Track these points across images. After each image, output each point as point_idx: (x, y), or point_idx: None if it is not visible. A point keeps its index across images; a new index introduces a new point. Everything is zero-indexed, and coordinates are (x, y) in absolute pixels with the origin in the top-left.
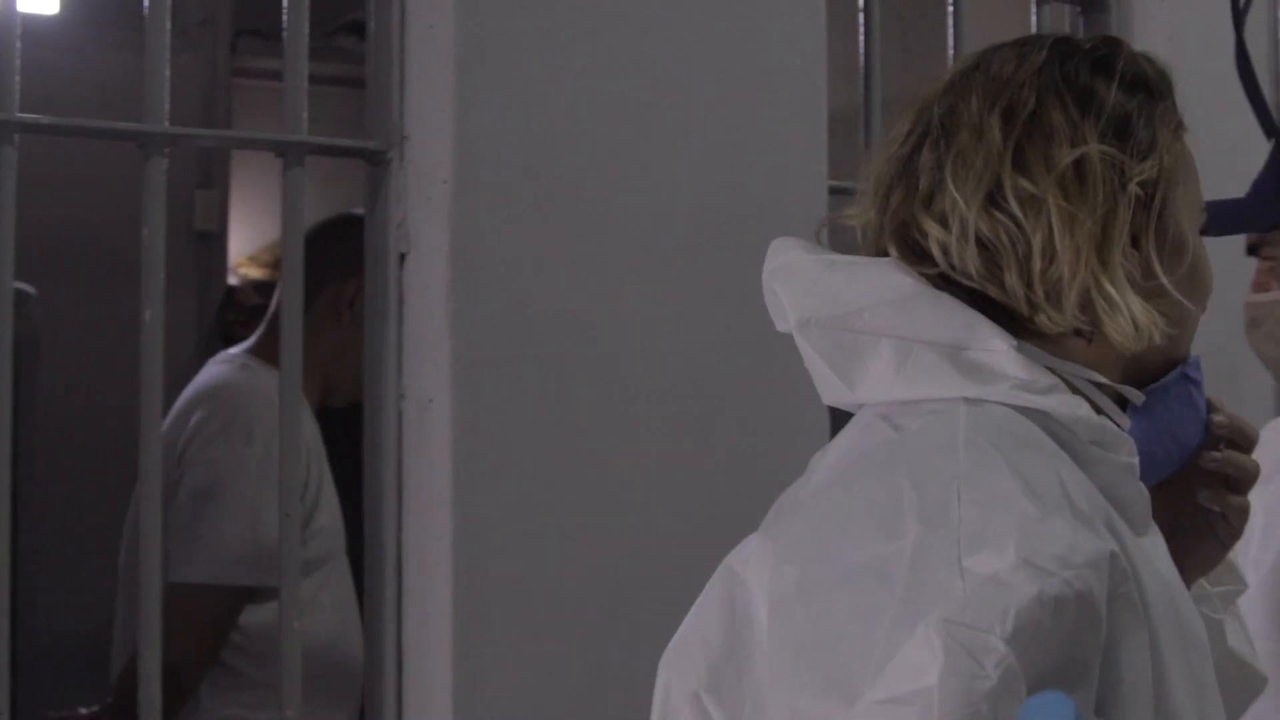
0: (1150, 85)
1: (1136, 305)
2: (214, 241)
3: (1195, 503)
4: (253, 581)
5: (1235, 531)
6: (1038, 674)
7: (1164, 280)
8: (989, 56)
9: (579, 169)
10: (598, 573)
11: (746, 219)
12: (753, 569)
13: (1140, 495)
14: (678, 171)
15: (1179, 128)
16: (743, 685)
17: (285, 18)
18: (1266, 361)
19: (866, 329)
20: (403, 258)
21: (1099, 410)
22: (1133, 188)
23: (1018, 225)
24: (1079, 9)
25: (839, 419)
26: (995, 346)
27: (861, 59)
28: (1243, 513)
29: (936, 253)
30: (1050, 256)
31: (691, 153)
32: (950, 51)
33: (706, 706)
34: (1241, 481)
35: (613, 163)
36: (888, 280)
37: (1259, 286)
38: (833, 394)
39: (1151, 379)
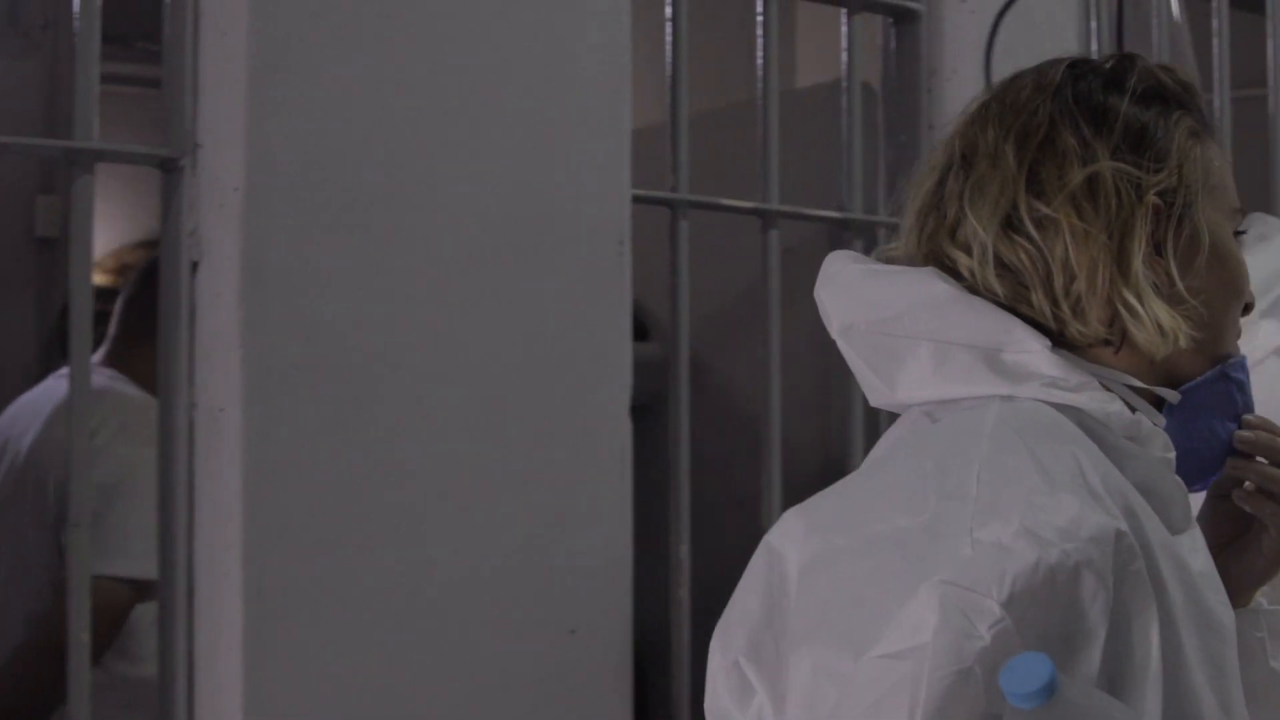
0: (1167, 95)
1: (1161, 311)
2: (56, 248)
3: (1237, 513)
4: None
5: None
6: (1037, 640)
7: (1180, 286)
8: (1008, 85)
9: (375, 178)
10: (392, 583)
11: (547, 228)
12: (788, 542)
13: (1179, 490)
14: (476, 180)
15: (1199, 134)
16: (779, 650)
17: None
18: None
19: (905, 333)
20: (195, 266)
21: (1133, 409)
22: (1150, 198)
23: (1036, 246)
24: (891, 20)
25: (643, 425)
26: (1030, 347)
27: (668, 70)
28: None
29: (966, 276)
30: (1070, 273)
31: (491, 162)
32: (760, 64)
33: (745, 673)
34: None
35: (410, 171)
36: (926, 286)
37: None
38: (876, 395)
39: (1190, 379)
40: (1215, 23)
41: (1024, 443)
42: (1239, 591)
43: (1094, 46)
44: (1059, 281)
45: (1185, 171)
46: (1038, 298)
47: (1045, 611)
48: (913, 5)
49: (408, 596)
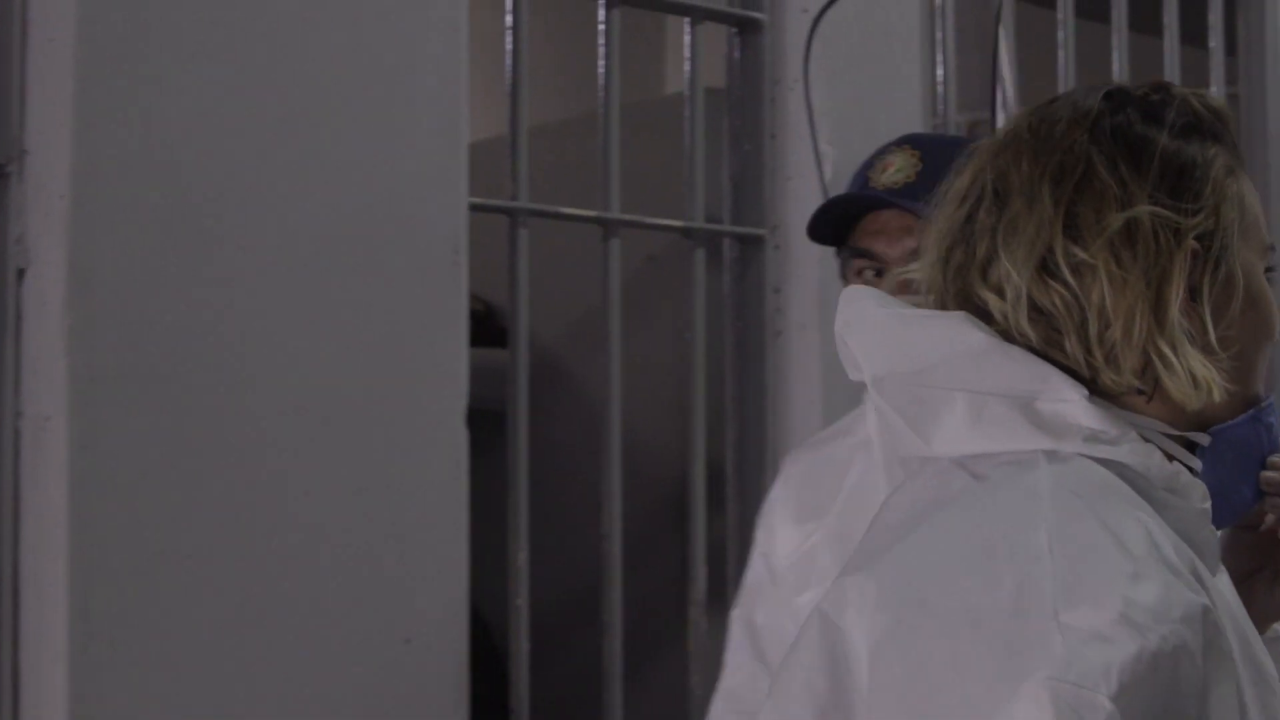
0: (1203, 128)
1: (1195, 362)
2: None
3: (1258, 546)
4: None
5: None
6: None
7: (1212, 337)
8: (1042, 114)
9: (205, 185)
10: (224, 592)
11: (382, 236)
12: (850, 614)
13: (1213, 537)
14: (309, 188)
15: (1234, 170)
16: None
17: None
18: None
19: (940, 384)
20: (21, 273)
21: (1169, 457)
22: (1188, 243)
23: (1071, 292)
24: (735, 30)
25: (480, 437)
26: (1068, 396)
27: (509, 79)
28: None
29: (998, 318)
30: (1105, 320)
31: (325, 170)
32: (601, 73)
33: None
34: None
35: (242, 179)
36: (960, 335)
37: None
38: (907, 447)
39: (1220, 421)
40: (1060, 34)
41: (1089, 509)
42: (1261, 623)
43: (939, 57)
44: (1094, 328)
45: (1223, 212)
46: (1071, 344)
47: (1149, 700)
48: (756, 15)
49: (239, 605)
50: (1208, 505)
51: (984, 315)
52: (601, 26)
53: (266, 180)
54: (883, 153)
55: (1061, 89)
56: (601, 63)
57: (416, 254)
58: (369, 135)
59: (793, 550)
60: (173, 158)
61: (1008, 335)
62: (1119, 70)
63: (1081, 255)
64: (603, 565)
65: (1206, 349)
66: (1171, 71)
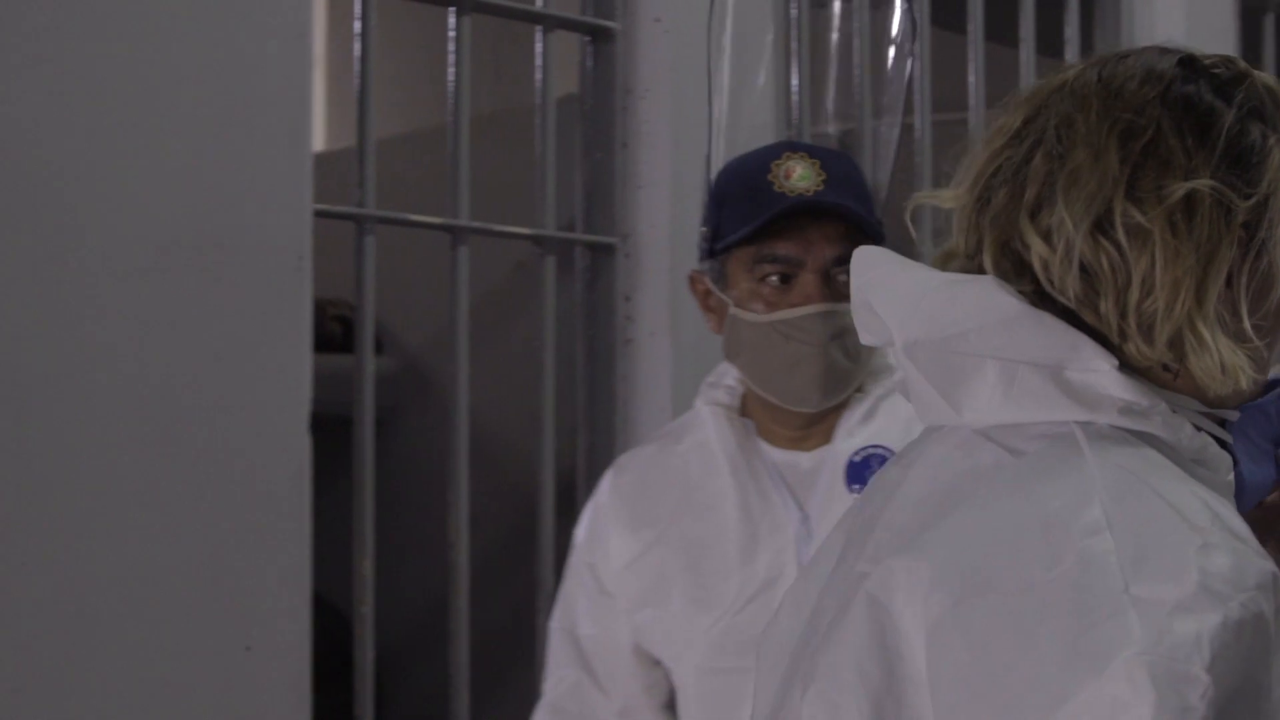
0: (1265, 115)
1: (1225, 348)
2: None
3: (1265, 522)
4: None
5: None
6: (1227, 698)
7: (1246, 324)
8: (1114, 68)
9: (46, 188)
10: (61, 599)
11: (225, 241)
12: (900, 598)
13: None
14: (151, 193)
15: None
16: (900, 715)
17: None
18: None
19: (972, 351)
20: None
21: (1196, 428)
22: (1237, 226)
23: (1121, 254)
24: (588, 38)
25: (324, 439)
26: (1098, 366)
27: (356, 85)
28: None
29: (1037, 267)
30: (1149, 289)
31: (167, 175)
32: (451, 80)
33: None
34: None
35: (82, 183)
36: (991, 301)
37: None
38: (936, 415)
39: (1232, 405)
40: (916, 44)
41: (1141, 481)
42: None
43: (794, 67)
44: (1134, 295)
45: (1272, 202)
46: (1107, 306)
47: (1235, 669)
48: (608, 24)
49: (78, 611)
50: (1232, 479)
51: (1017, 261)
52: (451, 34)
53: (107, 184)
54: (772, 158)
55: (918, 98)
56: (451, 70)
57: (260, 259)
58: (212, 140)
59: (629, 559)
60: (14, 160)
61: (1039, 287)
62: (974, 79)
63: (1139, 219)
64: (450, 574)
65: (1238, 336)
66: (1027, 82)
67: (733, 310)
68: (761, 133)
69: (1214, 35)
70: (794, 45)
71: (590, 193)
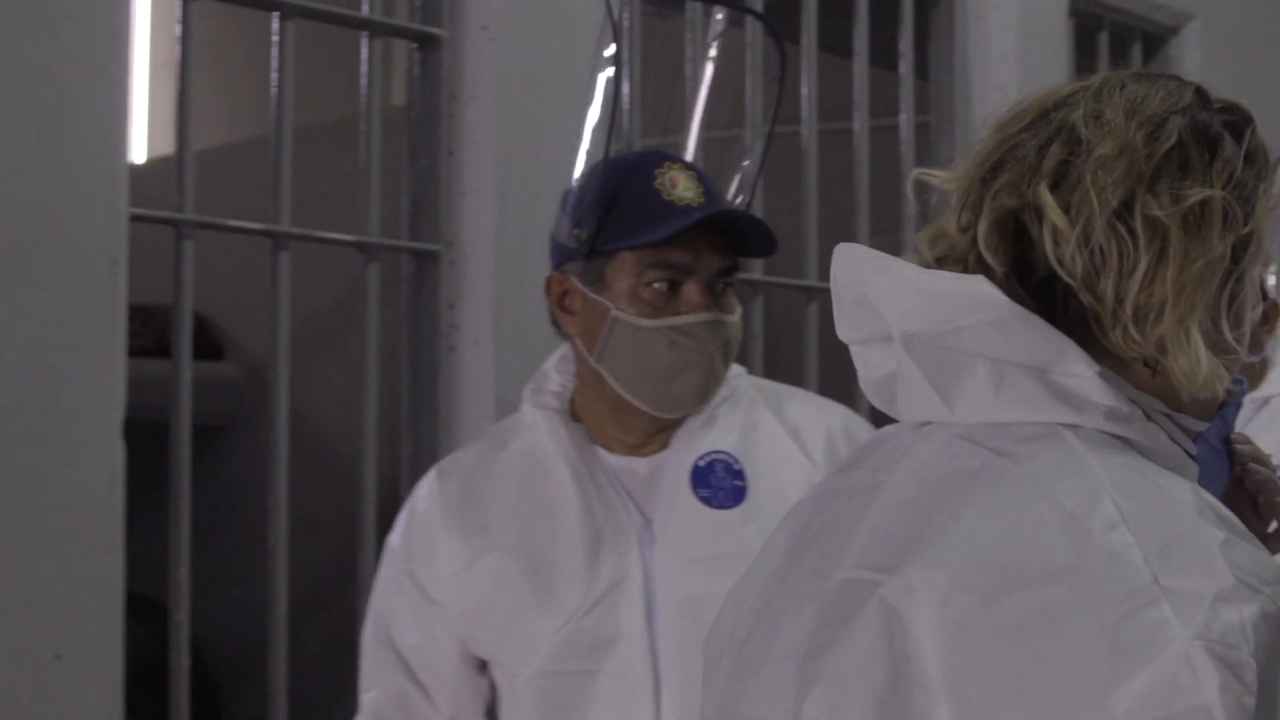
0: (1257, 162)
1: (1205, 354)
2: None
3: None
4: None
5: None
6: (1262, 685)
7: (1228, 336)
8: (1134, 85)
9: None
10: None
11: (37, 244)
12: (914, 603)
13: None
14: None
15: (1274, 207)
16: (905, 718)
17: None
18: None
19: (964, 348)
20: None
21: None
22: (1229, 245)
23: (1134, 243)
24: (415, 45)
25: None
26: (1080, 371)
27: (175, 90)
28: None
29: (1048, 239)
30: (1150, 281)
31: None
32: (274, 85)
33: None
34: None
35: None
36: (984, 299)
37: None
38: (924, 409)
39: (1196, 409)
40: (749, 56)
41: (1145, 478)
42: None
43: (624, 78)
44: (1136, 284)
45: (1256, 239)
46: (1106, 288)
47: (1268, 657)
48: (435, 31)
49: None
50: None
51: (1013, 234)
52: (275, 39)
53: None
54: (653, 166)
55: (749, 108)
56: (274, 75)
57: (72, 263)
58: (24, 142)
59: (460, 566)
60: None
61: (1019, 264)
62: (808, 91)
63: (1158, 213)
64: (268, 581)
65: (1217, 346)
66: (861, 94)
67: (615, 313)
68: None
69: (1046, 50)
70: (625, 57)
71: (416, 200)
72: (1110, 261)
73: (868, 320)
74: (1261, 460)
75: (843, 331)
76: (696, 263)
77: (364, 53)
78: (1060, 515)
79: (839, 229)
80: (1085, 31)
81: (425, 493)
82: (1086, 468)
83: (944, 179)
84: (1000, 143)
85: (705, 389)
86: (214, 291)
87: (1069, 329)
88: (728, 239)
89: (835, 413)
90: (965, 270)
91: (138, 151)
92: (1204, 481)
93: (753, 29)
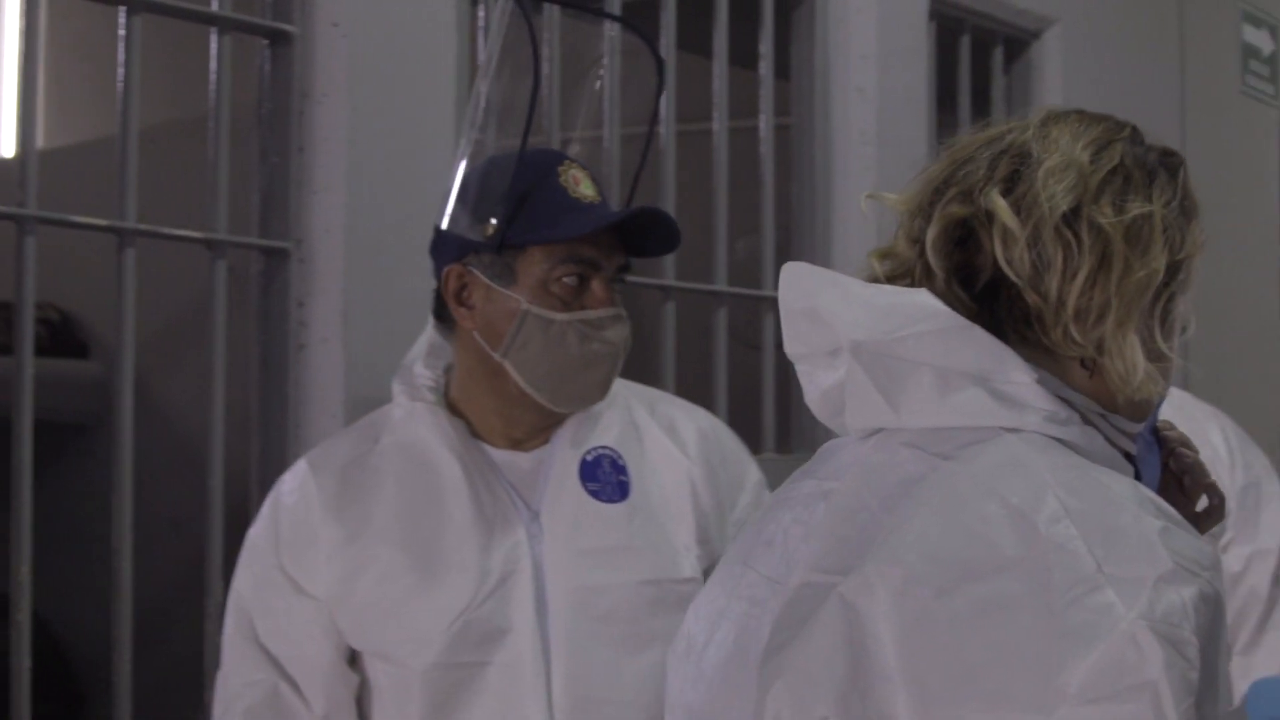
0: (1186, 202)
1: (1140, 358)
2: None
3: None
4: None
5: (1218, 517)
6: (1203, 660)
7: (1162, 346)
8: (1074, 118)
9: None
10: None
11: None
12: (871, 599)
13: None
14: None
15: (1202, 246)
16: (866, 710)
17: None
18: None
19: (909, 356)
20: None
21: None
22: (1167, 262)
23: (1080, 247)
24: (267, 41)
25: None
26: (1019, 379)
27: (120, 82)
28: (1219, 503)
29: (997, 240)
30: (1092, 285)
31: None
32: (120, 80)
33: None
34: (1208, 474)
35: None
36: (927, 309)
37: None
38: (872, 416)
39: (1128, 411)
40: (607, 57)
41: (1085, 473)
42: None
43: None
44: (1077, 286)
45: (1187, 265)
46: (1051, 287)
47: (1206, 636)
48: (286, 27)
49: None
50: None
51: (960, 239)
52: (122, 33)
53: None
54: (554, 163)
55: (607, 104)
56: (121, 69)
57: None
58: None
59: (341, 560)
60: None
61: (961, 266)
62: (666, 92)
63: (1104, 222)
64: (113, 579)
65: (1151, 354)
66: (720, 96)
67: (526, 306)
68: (439, 142)
69: (907, 53)
70: (481, 55)
71: (266, 197)
72: (1055, 264)
73: (815, 334)
74: (1187, 444)
75: (790, 347)
76: (604, 259)
77: (214, 49)
78: (1007, 511)
79: (697, 231)
80: (947, 35)
81: (296, 484)
82: (1030, 467)
83: (893, 200)
84: (951, 162)
85: (608, 383)
86: (79, 290)
87: (1013, 329)
88: (623, 238)
89: (700, 413)
90: (913, 283)
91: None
92: (1141, 472)
93: (611, 30)
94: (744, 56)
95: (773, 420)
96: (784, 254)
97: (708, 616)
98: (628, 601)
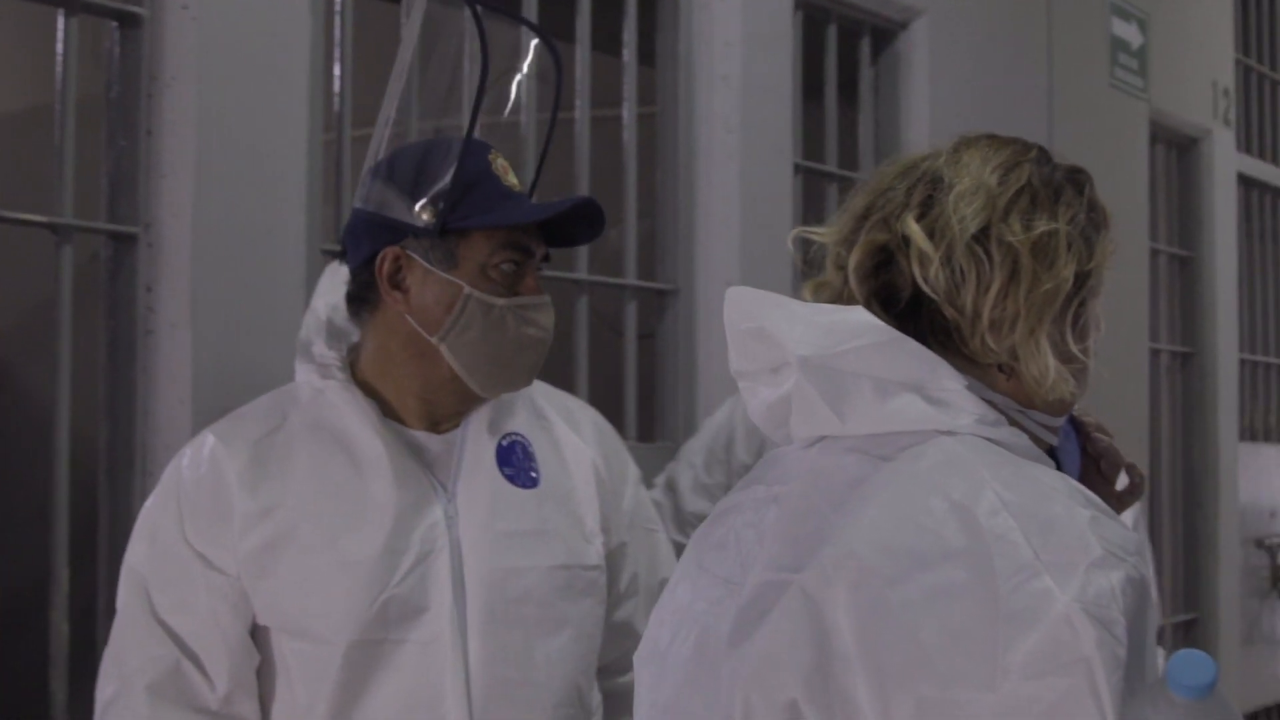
0: (1097, 212)
1: (1053, 362)
2: None
3: None
4: None
5: (1136, 494)
6: (1130, 639)
7: (1074, 349)
8: (982, 142)
9: None
10: None
11: None
12: (829, 590)
13: None
14: None
15: (1112, 253)
16: (829, 692)
17: None
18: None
19: (851, 369)
20: None
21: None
22: (1076, 271)
23: (991, 263)
24: (115, 24)
25: None
26: (951, 385)
27: None
28: (1137, 482)
29: (915, 262)
30: (1004, 297)
31: None
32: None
33: (803, 709)
34: (1122, 456)
35: None
36: (865, 326)
37: None
38: (818, 425)
39: (1045, 408)
40: (578, 53)
41: (1019, 468)
42: None
43: (336, 56)
44: (990, 299)
45: (1095, 275)
46: (967, 302)
47: (1133, 616)
48: (135, 9)
49: None
50: None
51: (882, 262)
52: None
53: None
54: (484, 152)
55: (467, 88)
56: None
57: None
58: None
59: (258, 537)
60: None
61: (887, 286)
62: (528, 79)
63: (1012, 240)
64: None
65: (1064, 356)
66: (583, 80)
67: (469, 290)
68: (292, 129)
69: (771, 43)
70: (337, 37)
71: (114, 181)
72: (969, 280)
73: (762, 352)
74: (1102, 430)
75: (736, 364)
76: (536, 248)
77: (60, 31)
78: (950, 506)
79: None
80: (813, 25)
81: (203, 456)
82: (967, 464)
83: (822, 234)
84: (871, 192)
85: (536, 369)
86: None
87: (936, 341)
88: (542, 228)
89: (587, 406)
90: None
91: None
92: (1062, 459)
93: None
94: (607, 43)
95: (635, 409)
96: (648, 243)
97: (670, 620)
98: (540, 585)
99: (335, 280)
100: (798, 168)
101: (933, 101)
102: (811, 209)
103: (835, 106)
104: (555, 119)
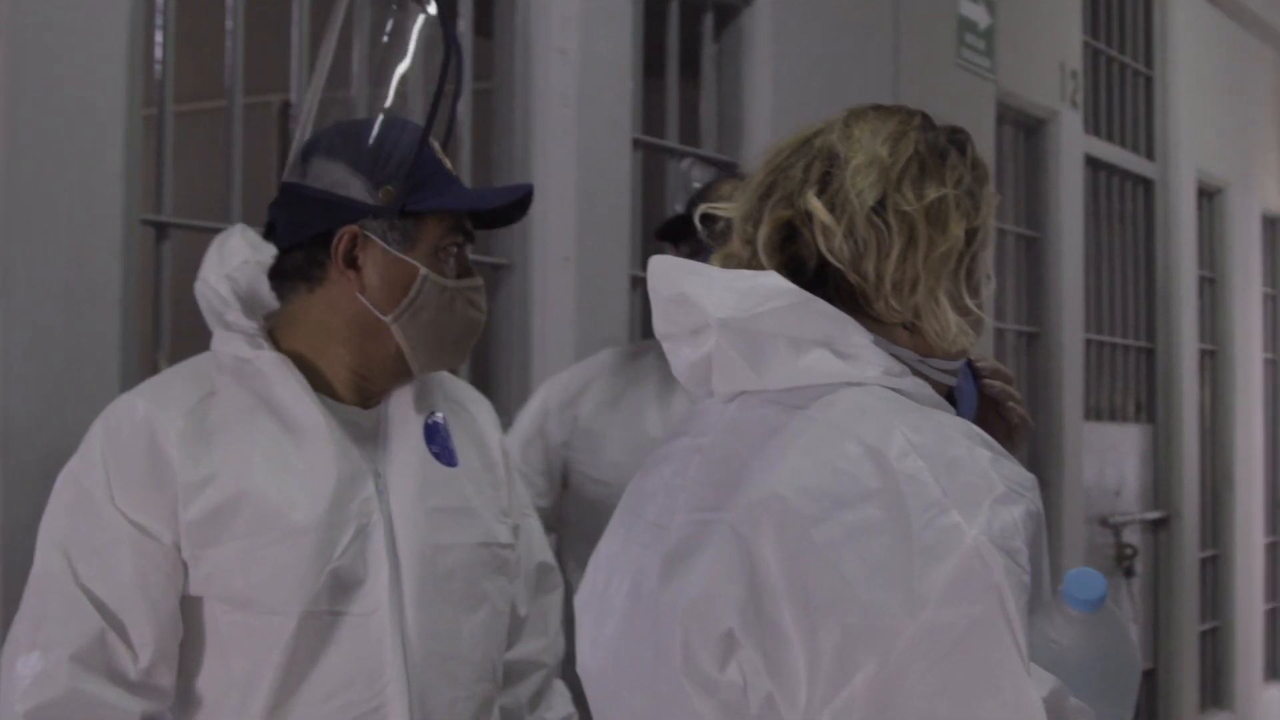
0: (979, 169)
1: (953, 317)
2: None
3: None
4: None
5: (1026, 433)
6: (1030, 566)
7: (969, 303)
8: (868, 114)
9: None
10: None
11: None
12: (757, 528)
13: None
14: None
15: (996, 206)
16: (761, 622)
17: None
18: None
19: (767, 329)
20: None
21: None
22: (967, 229)
23: (889, 231)
24: None
25: None
26: (858, 341)
27: None
28: (1026, 419)
29: (818, 234)
30: (903, 261)
31: None
32: None
33: (739, 638)
34: (1015, 397)
35: None
36: (778, 289)
37: None
38: (738, 381)
39: (943, 356)
40: (295, 12)
41: (923, 414)
42: None
43: (158, 23)
44: (891, 264)
45: (983, 231)
46: (870, 269)
47: (1031, 546)
48: None
49: None
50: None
51: (788, 236)
52: None
53: None
54: (418, 137)
55: (296, 63)
56: None
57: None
58: None
59: (200, 506)
60: None
61: (794, 258)
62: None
63: (908, 208)
64: None
65: (960, 310)
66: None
67: (425, 272)
68: (110, 104)
69: (609, 18)
70: (161, 6)
71: None
72: (870, 249)
73: (684, 316)
74: (998, 373)
75: (660, 328)
76: (472, 230)
77: None
78: (864, 449)
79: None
80: (655, 1)
81: (138, 420)
82: (876, 412)
83: (726, 209)
84: (771, 169)
85: (470, 350)
86: None
87: (843, 305)
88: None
89: (478, 392)
90: None
91: None
92: (960, 400)
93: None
94: (442, 15)
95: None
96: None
97: (605, 565)
98: (466, 561)
99: (225, 250)
100: (637, 143)
101: (776, 79)
102: (652, 184)
103: (676, 83)
104: (441, 94)
